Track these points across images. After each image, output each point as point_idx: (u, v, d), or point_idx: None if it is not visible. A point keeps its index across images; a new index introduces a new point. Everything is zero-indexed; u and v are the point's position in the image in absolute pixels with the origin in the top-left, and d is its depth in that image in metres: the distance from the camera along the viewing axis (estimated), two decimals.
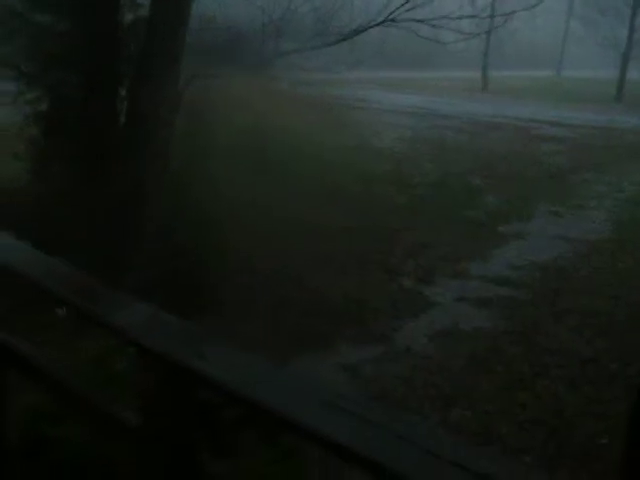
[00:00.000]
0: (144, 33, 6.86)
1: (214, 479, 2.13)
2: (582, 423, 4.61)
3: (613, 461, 3.38)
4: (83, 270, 2.42)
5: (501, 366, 5.42)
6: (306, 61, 8.42)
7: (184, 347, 1.91)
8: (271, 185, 9.07)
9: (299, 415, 1.67)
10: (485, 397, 4.91)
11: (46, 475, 2.64)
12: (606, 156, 15.76)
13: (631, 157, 15.81)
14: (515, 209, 10.33)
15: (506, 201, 10.79)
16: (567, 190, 12.03)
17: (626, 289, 7.19)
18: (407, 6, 7.88)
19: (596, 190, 12.28)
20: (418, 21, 7.78)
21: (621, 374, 5.30)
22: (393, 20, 7.93)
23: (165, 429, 1.86)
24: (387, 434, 1.58)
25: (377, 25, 8.02)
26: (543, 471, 3.89)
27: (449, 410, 4.72)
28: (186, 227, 6.46)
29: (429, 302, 6.76)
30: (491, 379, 5.18)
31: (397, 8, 7.92)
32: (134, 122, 6.69)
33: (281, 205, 9.21)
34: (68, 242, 5.42)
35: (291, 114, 16.92)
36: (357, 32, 7.96)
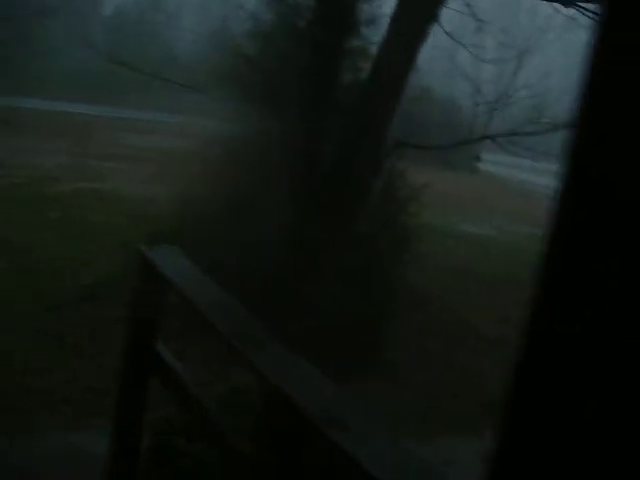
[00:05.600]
0: (359, 94, 7.17)
1: None
2: None
3: None
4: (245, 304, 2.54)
5: None
6: (513, 145, 8.36)
7: (326, 409, 1.90)
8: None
9: None
10: None
11: None
12: None
13: None
14: None
15: None
16: None
17: None
18: None
19: None
20: None
21: None
22: None
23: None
24: None
25: None
26: None
27: None
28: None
29: None
30: None
31: None
32: (333, 175, 6.98)
33: None
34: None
35: (488, 198, 16.82)
36: (570, 124, 7.79)
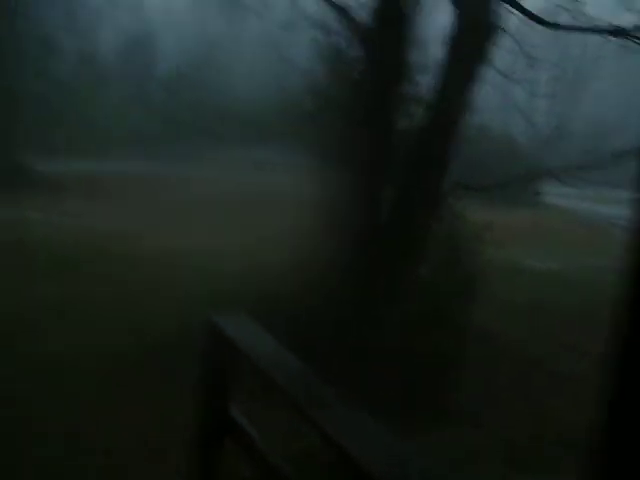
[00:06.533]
0: (415, 140, 7.22)
1: None
2: None
3: None
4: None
5: None
6: (571, 178, 8.26)
7: (392, 466, 1.93)
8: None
9: None
10: None
11: None
12: None
13: None
14: None
15: None
16: None
17: None
18: None
19: None
20: None
21: None
22: None
23: None
24: None
25: None
26: None
27: None
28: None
29: None
30: None
31: None
32: (393, 222, 7.03)
33: None
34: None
35: (552, 231, 16.56)
36: (630, 154, 7.68)
